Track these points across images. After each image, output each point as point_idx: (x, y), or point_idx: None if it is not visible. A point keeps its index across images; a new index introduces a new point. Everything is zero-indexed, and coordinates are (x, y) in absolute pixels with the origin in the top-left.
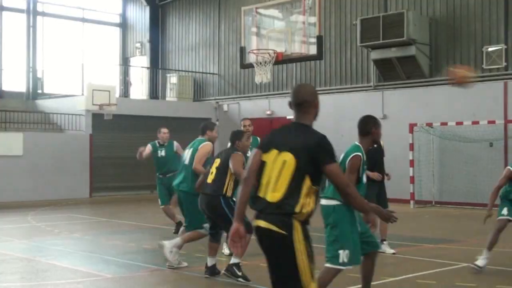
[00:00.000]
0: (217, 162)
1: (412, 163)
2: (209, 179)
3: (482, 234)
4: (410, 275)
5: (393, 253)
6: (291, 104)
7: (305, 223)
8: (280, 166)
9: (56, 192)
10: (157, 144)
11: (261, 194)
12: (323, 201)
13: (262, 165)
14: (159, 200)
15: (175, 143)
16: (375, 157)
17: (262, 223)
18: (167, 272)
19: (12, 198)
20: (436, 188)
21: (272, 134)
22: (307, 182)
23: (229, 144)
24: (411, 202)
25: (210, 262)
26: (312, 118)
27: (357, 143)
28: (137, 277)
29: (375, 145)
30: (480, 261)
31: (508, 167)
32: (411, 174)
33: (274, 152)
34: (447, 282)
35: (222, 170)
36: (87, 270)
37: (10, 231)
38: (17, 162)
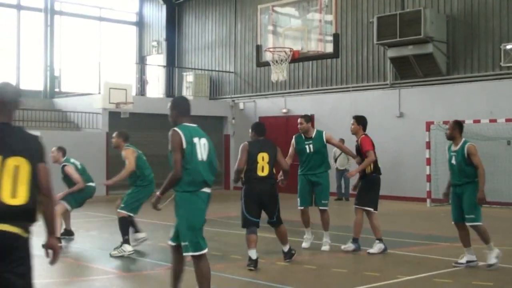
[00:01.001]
0: (266, 156)
1: (428, 161)
2: (265, 172)
3: (499, 233)
4: (426, 274)
5: (369, 252)
6: None
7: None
8: (12, 172)
9: None
10: None
11: None
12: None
13: None
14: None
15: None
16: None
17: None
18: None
19: None
20: None
21: None
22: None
23: (251, 134)
24: (428, 200)
25: (254, 255)
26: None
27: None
28: (153, 275)
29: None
30: (463, 259)
31: None
32: (427, 173)
33: None
34: (463, 281)
35: (272, 163)
36: (104, 267)
37: None
38: None
